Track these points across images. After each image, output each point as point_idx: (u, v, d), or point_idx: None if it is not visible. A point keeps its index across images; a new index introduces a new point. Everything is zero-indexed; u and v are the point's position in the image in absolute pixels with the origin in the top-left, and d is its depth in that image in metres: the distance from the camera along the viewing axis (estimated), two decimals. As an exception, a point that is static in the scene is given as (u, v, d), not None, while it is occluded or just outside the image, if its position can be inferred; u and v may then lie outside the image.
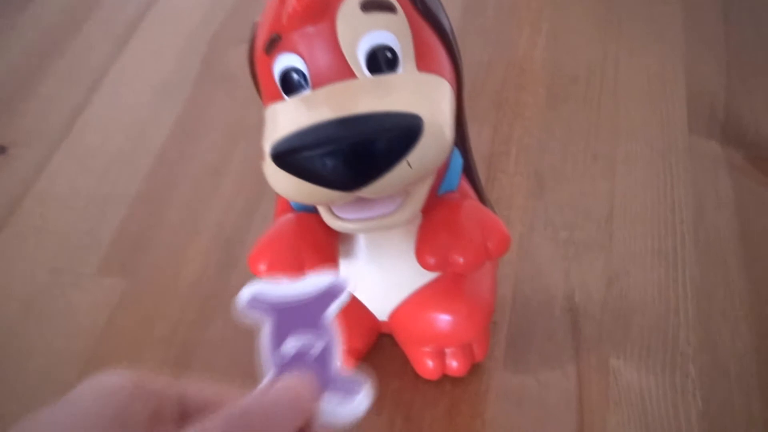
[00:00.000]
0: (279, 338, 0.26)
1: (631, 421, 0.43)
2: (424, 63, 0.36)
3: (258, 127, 0.35)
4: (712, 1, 0.70)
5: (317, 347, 0.26)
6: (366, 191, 0.33)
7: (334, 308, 0.26)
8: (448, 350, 0.44)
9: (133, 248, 0.52)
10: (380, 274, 0.42)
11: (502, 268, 0.50)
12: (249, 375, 0.45)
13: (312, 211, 0.38)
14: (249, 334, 0.47)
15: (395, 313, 0.43)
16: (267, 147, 0.33)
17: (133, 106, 0.62)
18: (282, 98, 0.36)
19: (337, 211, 0.36)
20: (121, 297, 0.50)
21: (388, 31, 0.35)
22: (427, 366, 0.44)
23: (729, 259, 0.51)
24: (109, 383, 0.22)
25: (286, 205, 0.41)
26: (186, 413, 0.23)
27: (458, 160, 0.42)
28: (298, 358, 0.26)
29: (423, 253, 0.37)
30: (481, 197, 0.44)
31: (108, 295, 0.50)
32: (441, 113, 0.34)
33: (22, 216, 0.55)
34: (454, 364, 0.44)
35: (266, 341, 0.27)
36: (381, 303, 0.43)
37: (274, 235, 0.39)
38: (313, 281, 0.26)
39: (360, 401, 0.25)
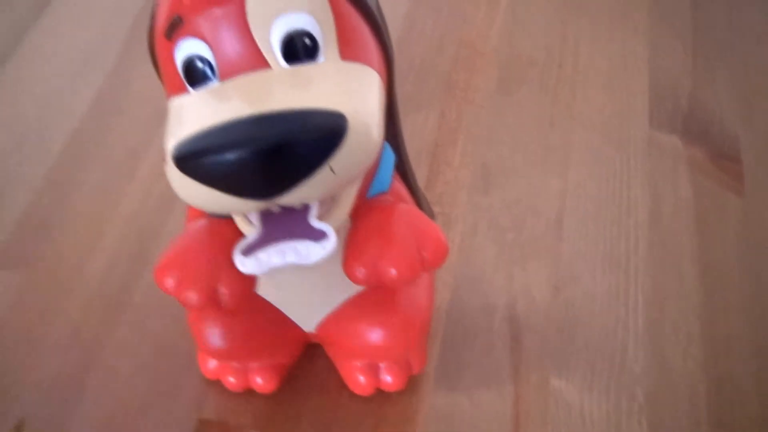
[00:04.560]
0: None
1: (570, 449, 0.40)
2: (348, 50, 0.31)
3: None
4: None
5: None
6: (283, 200, 0.29)
7: None
8: (382, 364, 0.40)
9: (36, 237, 0.48)
10: (306, 283, 0.38)
11: (440, 272, 0.46)
12: (155, 382, 0.42)
13: (227, 216, 0.34)
14: (156, 338, 0.44)
15: (323, 325, 0.39)
16: (169, 147, 0.29)
17: (49, 77, 0.57)
18: (186, 90, 0.31)
19: (254, 218, 0.32)
20: (19, 293, 0.45)
21: (306, 13, 0.30)
22: (359, 381, 0.41)
23: (684, 268, 0.47)
24: None
25: (198, 209, 0.36)
26: None
27: (390, 158, 0.38)
28: (284, 211, 0.31)
29: (351, 264, 0.33)
30: (417, 198, 0.40)
31: (3, 290, 0.45)
32: (368, 110, 0.30)
33: None
34: (388, 379, 0.40)
35: None
36: (307, 314, 0.39)
37: (184, 245, 0.34)
38: None
39: (328, 242, 0.30)
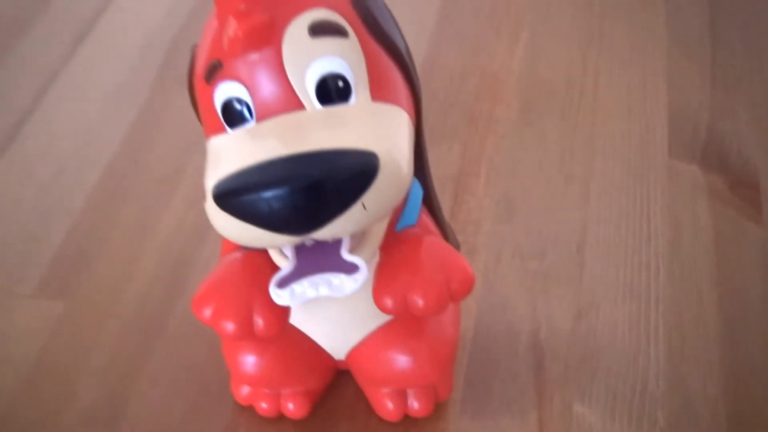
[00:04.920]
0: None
1: (594, 474, 0.41)
2: (379, 92, 0.33)
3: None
4: (699, 12, 0.68)
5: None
6: (316, 235, 0.30)
7: None
8: (409, 390, 0.42)
9: (74, 267, 0.49)
10: (336, 313, 0.39)
11: (465, 300, 0.47)
12: (189, 408, 0.43)
13: (262, 249, 0.35)
14: (190, 365, 0.45)
15: (353, 353, 0.40)
16: (208, 186, 0.31)
17: (83, 112, 0.59)
18: (224, 130, 0.33)
19: (288, 252, 0.33)
20: (59, 322, 0.47)
21: (339, 57, 0.32)
22: (388, 407, 0.42)
23: (704, 295, 0.48)
24: None
25: (233, 242, 0.38)
26: None
27: (418, 192, 0.39)
28: (317, 244, 0.32)
29: (380, 294, 0.35)
30: (443, 230, 0.42)
31: (44, 319, 0.47)
32: (398, 148, 0.31)
33: (-43, 228, 0.52)
34: (415, 406, 0.42)
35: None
36: (338, 342, 0.41)
37: (220, 277, 0.36)
38: None
39: (360, 275, 0.32)
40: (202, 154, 0.36)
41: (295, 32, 0.32)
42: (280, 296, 0.33)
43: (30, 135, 0.57)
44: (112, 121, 0.58)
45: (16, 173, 0.55)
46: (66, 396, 0.44)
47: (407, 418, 0.42)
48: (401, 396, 0.42)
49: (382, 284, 0.35)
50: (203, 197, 0.32)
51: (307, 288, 0.32)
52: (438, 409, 0.43)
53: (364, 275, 0.32)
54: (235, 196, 0.29)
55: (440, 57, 0.63)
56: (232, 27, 0.31)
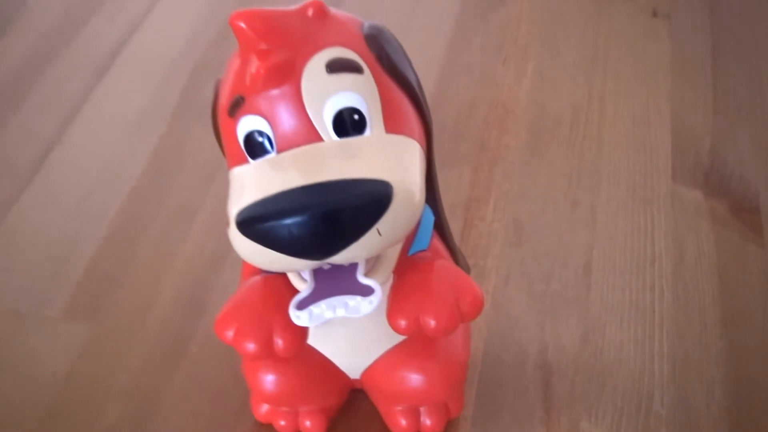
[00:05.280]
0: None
1: (600, 489, 0.42)
2: (392, 124, 0.35)
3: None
4: (701, 42, 0.70)
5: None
6: (334, 259, 0.32)
7: None
8: (422, 408, 0.43)
9: (99, 291, 0.51)
10: (352, 333, 0.41)
11: (475, 321, 0.49)
12: (210, 426, 0.45)
13: (281, 272, 0.37)
14: (211, 385, 0.47)
15: (367, 372, 0.42)
16: (232, 213, 0.33)
17: (108, 140, 0.61)
18: (246, 161, 0.35)
19: (307, 275, 0.35)
20: (85, 343, 0.48)
21: (354, 92, 0.34)
22: (401, 424, 0.43)
23: (707, 316, 0.50)
24: None
25: (253, 266, 0.40)
26: None
27: (429, 218, 0.41)
28: (334, 268, 0.34)
29: (394, 316, 0.36)
30: (454, 253, 0.43)
31: (72, 341, 0.48)
32: (411, 178, 0.33)
33: (-13, 254, 0.54)
34: (428, 422, 0.43)
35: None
36: (352, 362, 0.42)
37: (242, 299, 0.37)
38: None
39: (375, 297, 0.34)
40: (222, 181, 0.38)
41: (314, 69, 0.34)
42: (299, 317, 0.34)
43: (55, 164, 0.59)
44: (135, 149, 0.60)
45: (43, 201, 0.57)
46: (92, 414, 0.45)
47: (420, 435, 0.44)
48: (414, 413, 0.43)
49: (395, 306, 0.37)
50: (223, 223, 0.33)
51: (325, 310, 0.34)
52: (450, 425, 0.44)
53: (378, 297, 0.34)
54: (257, 223, 0.31)
55: (450, 88, 0.65)
56: (255, 65, 0.33)
